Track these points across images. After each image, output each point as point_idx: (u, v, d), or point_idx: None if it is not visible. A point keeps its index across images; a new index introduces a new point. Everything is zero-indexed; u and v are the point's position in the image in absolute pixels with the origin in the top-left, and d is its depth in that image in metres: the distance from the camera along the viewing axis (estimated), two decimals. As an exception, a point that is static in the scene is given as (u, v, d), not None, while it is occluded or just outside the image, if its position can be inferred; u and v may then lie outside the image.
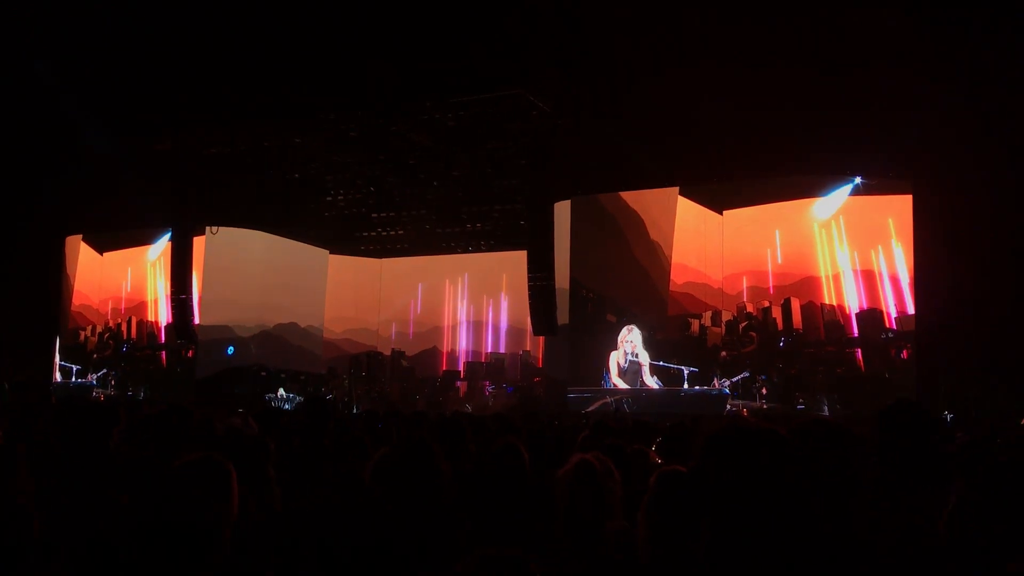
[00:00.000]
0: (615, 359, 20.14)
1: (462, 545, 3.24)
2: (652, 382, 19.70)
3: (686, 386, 19.18)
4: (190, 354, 23.80)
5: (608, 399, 19.94)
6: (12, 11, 17.21)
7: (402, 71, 17.73)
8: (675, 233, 20.01)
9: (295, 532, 3.27)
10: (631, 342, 20.05)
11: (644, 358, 19.86)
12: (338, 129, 20.13)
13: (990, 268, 16.00)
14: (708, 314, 19.47)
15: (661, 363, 19.62)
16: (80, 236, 27.03)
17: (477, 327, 25.52)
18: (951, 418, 16.17)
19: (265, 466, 3.81)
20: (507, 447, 3.83)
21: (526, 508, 3.53)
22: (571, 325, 20.61)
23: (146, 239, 25.72)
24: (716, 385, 18.87)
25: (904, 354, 17.68)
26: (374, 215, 25.02)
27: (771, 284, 19.00)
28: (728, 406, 18.59)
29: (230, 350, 23.53)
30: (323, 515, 3.26)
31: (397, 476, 3.08)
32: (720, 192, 19.69)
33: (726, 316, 19.29)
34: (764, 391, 18.51)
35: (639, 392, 19.75)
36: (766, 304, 18.94)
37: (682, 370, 19.28)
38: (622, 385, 19.96)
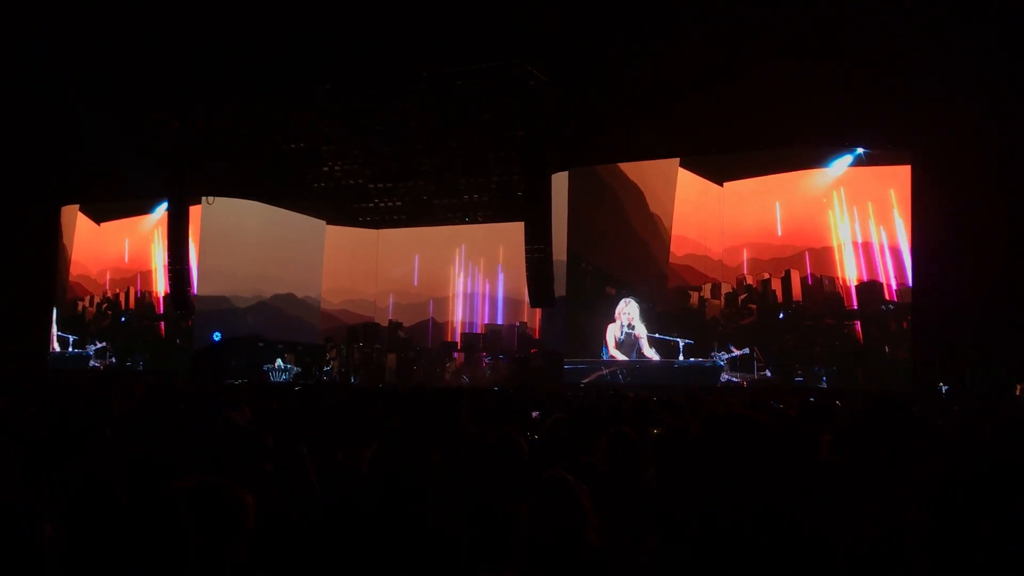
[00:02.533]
0: (612, 332, 20.15)
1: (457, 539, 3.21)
2: (649, 354, 19.72)
3: (681, 358, 19.20)
4: (189, 324, 23.76)
5: (603, 371, 20.00)
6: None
7: (398, 42, 17.54)
8: (675, 205, 19.92)
9: (292, 528, 3.23)
10: (628, 314, 20.05)
11: (641, 330, 19.87)
12: (334, 100, 19.95)
13: (988, 240, 15.98)
14: (708, 286, 19.43)
15: (657, 335, 19.62)
16: (77, 206, 26.92)
17: (474, 298, 25.50)
18: (946, 389, 16.24)
19: (262, 463, 3.76)
20: (503, 438, 3.77)
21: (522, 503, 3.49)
22: (569, 297, 20.60)
23: (143, 209, 25.63)
24: (713, 357, 18.89)
25: (904, 326, 17.65)
26: (371, 186, 24.88)
27: (771, 256, 18.93)
28: (725, 377, 18.63)
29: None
30: (317, 511, 3.23)
31: (389, 473, 3.05)
32: (721, 163, 19.57)
33: (725, 288, 19.25)
34: (759, 362, 18.53)
35: (634, 364, 19.78)
36: (766, 276, 18.90)
37: (678, 342, 19.29)
38: (620, 357, 19.99)
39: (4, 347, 23.45)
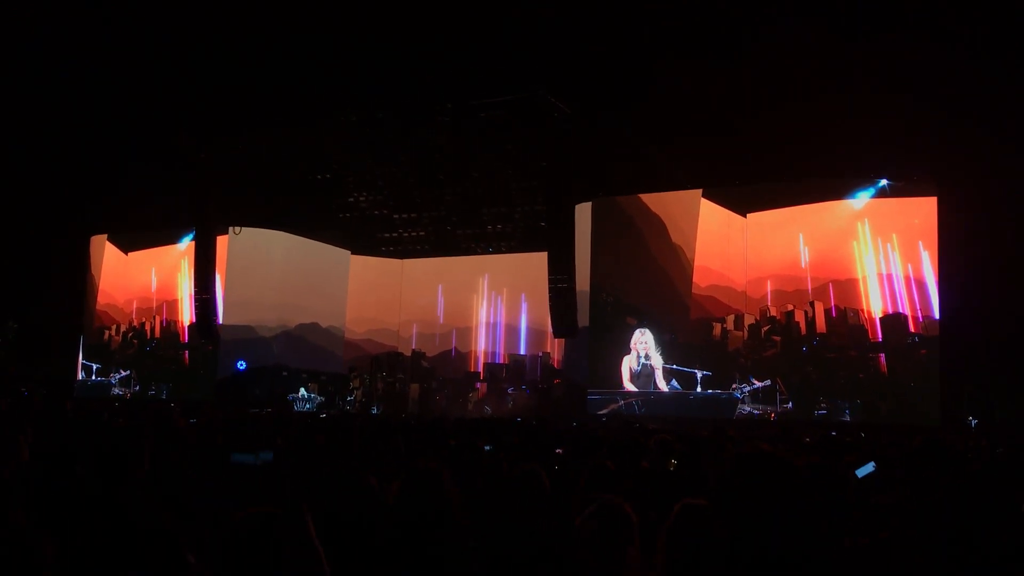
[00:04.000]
0: (628, 363, 20.09)
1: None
2: (664, 385, 19.64)
3: (699, 389, 19.11)
4: (209, 348, 23.78)
5: (620, 402, 19.94)
6: (46, 18, 17.37)
7: (424, 73, 17.73)
8: (698, 236, 19.88)
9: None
10: (645, 344, 19.99)
11: (657, 361, 19.80)
12: (360, 131, 20.16)
13: (1016, 272, 15.82)
14: (731, 318, 19.34)
15: (674, 366, 19.55)
16: (105, 236, 27.22)
17: (497, 328, 25.51)
18: (975, 423, 16.04)
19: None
20: (527, 474, 3.75)
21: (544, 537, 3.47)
22: (591, 327, 20.57)
23: (170, 239, 25.88)
24: (734, 389, 18.77)
25: (927, 358, 17.46)
26: (395, 216, 25.06)
27: (795, 288, 18.84)
28: (747, 408, 18.51)
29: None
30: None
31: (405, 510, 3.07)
32: (744, 195, 19.54)
33: (749, 320, 19.16)
34: (782, 395, 18.39)
35: (649, 395, 19.71)
36: (790, 308, 18.79)
37: (695, 373, 19.20)
38: (634, 388, 19.92)
39: (32, 375, 23.69)
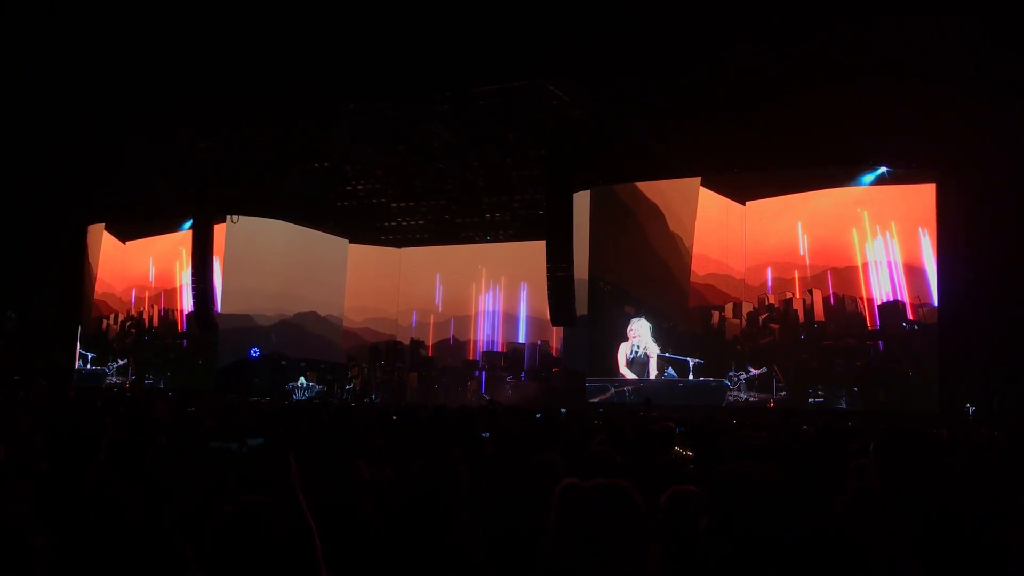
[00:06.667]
0: (623, 351, 20.13)
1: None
2: (656, 373, 19.70)
3: (691, 377, 19.15)
4: (199, 331, 23.68)
5: (611, 390, 19.99)
6: (46, 8, 17.36)
7: (422, 62, 17.67)
8: (697, 224, 19.85)
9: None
10: (639, 334, 20.03)
11: (652, 350, 19.84)
12: (359, 120, 20.11)
13: (1015, 259, 15.83)
14: (729, 306, 19.35)
15: (668, 354, 19.59)
16: (103, 224, 27.18)
17: (496, 317, 25.50)
18: (973, 411, 16.08)
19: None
20: (543, 464, 3.71)
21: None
22: (590, 316, 20.58)
23: (168, 228, 25.83)
24: (731, 377, 18.80)
25: (927, 346, 17.48)
26: (394, 205, 25.03)
27: (794, 275, 18.84)
28: (744, 396, 18.55)
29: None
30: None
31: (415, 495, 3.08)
32: (743, 182, 19.52)
33: (747, 308, 19.17)
34: (779, 382, 18.43)
35: (639, 383, 19.74)
36: (788, 295, 18.80)
37: (688, 361, 19.24)
38: (631, 375, 19.97)
39: (32, 364, 23.70)
